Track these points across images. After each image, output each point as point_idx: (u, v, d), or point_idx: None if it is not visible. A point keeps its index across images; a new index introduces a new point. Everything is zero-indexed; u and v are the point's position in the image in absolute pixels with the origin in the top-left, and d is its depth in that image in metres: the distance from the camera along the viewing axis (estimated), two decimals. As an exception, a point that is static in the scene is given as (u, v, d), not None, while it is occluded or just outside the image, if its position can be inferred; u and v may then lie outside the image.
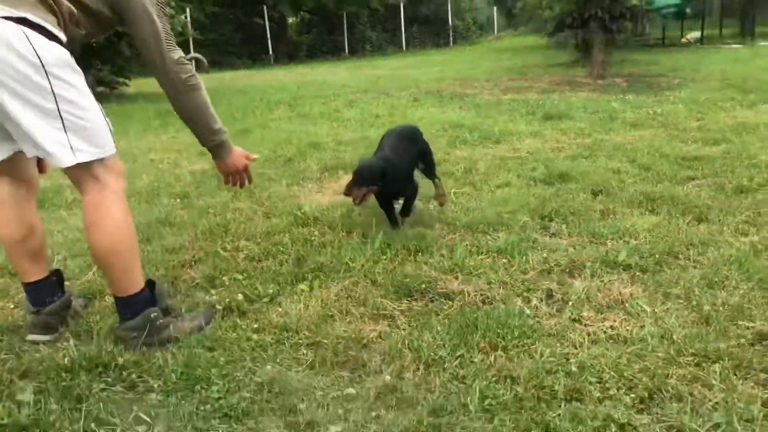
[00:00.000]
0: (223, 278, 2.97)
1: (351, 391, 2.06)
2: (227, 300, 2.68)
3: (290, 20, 31.53)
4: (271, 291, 2.78)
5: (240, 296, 2.71)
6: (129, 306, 2.33)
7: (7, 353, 2.34)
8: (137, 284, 2.34)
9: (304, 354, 2.29)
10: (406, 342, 2.32)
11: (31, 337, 2.41)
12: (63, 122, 2.09)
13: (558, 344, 2.28)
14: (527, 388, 2.01)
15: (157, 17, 2.30)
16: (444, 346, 2.29)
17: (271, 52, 27.14)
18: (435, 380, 2.10)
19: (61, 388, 2.08)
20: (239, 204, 4.15)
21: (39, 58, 2.01)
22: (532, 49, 21.04)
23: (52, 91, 2.05)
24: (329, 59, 26.38)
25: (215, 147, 2.53)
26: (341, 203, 4.04)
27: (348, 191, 3.28)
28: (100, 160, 2.20)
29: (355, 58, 26.32)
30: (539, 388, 2.01)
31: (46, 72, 2.02)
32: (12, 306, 2.77)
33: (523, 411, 1.91)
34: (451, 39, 31.27)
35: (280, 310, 2.62)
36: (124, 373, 2.18)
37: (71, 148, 2.12)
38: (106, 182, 2.23)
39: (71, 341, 2.37)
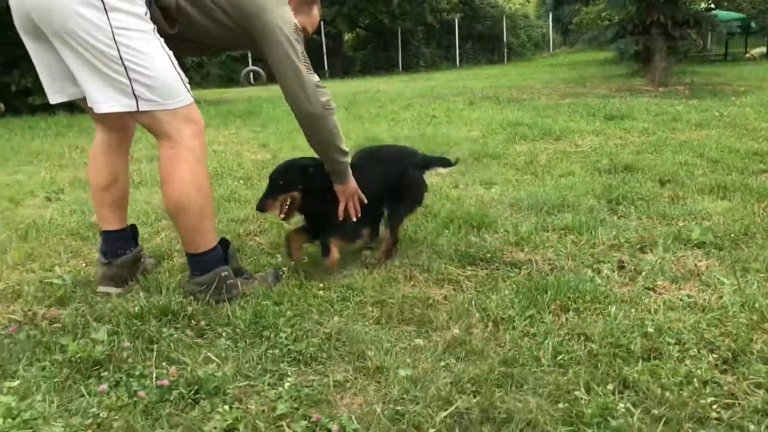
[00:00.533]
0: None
1: (419, 342, 2.03)
2: (292, 263, 2.69)
3: (346, 36, 31.96)
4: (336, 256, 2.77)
5: (305, 258, 2.71)
6: (199, 263, 2.35)
7: (80, 302, 2.39)
8: (208, 243, 2.35)
9: (369, 311, 2.27)
10: (473, 302, 2.28)
11: (101, 288, 2.46)
12: (126, 70, 2.08)
13: (632, 309, 2.20)
14: (602, 345, 1.94)
15: (295, 42, 2.32)
16: (512, 306, 2.24)
17: (326, 67, 27.53)
18: (504, 336, 2.05)
19: (133, 330, 2.10)
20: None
21: (103, 2, 2.02)
22: (589, 63, 20.83)
23: (114, 38, 2.05)
24: (383, 74, 26.57)
25: (341, 169, 2.54)
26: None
27: (261, 206, 2.54)
28: (173, 113, 2.20)
29: (408, 73, 26.43)
30: (615, 345, 1.94)
31: (108, 17, 2.03)
32: (84, 264, 2.83)
33: (599, 365, 1.85)
34: (505, 56, 31.18)
35: (345, 272, 2.61)
36: (192, 321, 2.20)
37: (135, 96, 2.12)
38: (179, 138, 2.22)
39: (141, 294, 2.41)
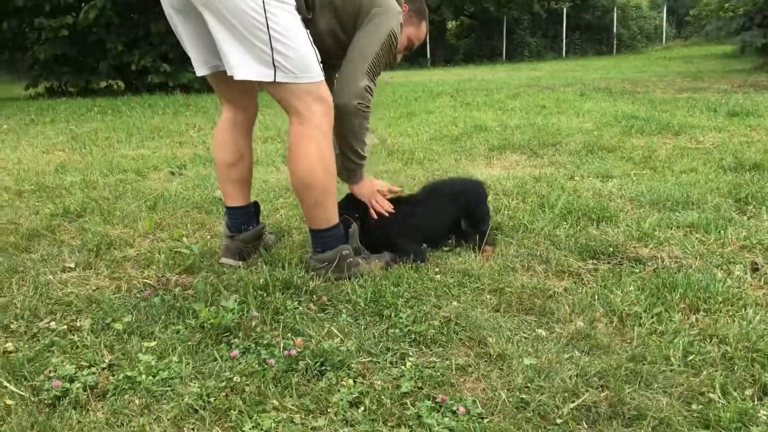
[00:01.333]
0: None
1: (541, 332, 2.00)
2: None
3: (450, 24, 31.73)
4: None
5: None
6: (321, 239, 2.41)
7: (208, 272, 2.50)
8: (330, 220, 2.40)
9: (487, 298, 2.26)
10: (596, 296, 2.22)
11: (223, 260, 2.56)
12: (270, 39, 2.13)
13: (769, 314, 2.08)
14: (737, 349, 1.85)
15: (383, 48, 2.41)
16: (638, 303, 2.16)
17: (428, 55, 27.45)
18: (631, 332, 1.98)
19: (259, 301, 2.18)
20: (411, 171, 4.20)
21: None
22: (705, 57, 19.76)
23: (264, 6, 2.10)
24: (485, 63, 26.23)
25: (352, 168, 2.60)
26: (512, 175, 3.98)
27: None
28: (306, 89, 2.24)
29: (512, 62, 25.96)
30: (752, 350, 1.84)
31: None
32: (209, 236, 2.96)
33: (735, 369, 1.76)
34: (614, 47, 30.06)
35: (461, 259, 2.61)
36: (314, 296, 2.26)
37: (275, 66, 2.16)
38: (309, 115, 2.27)
39: (264, 267, 2.49)
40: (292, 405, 1.64)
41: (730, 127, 5.87)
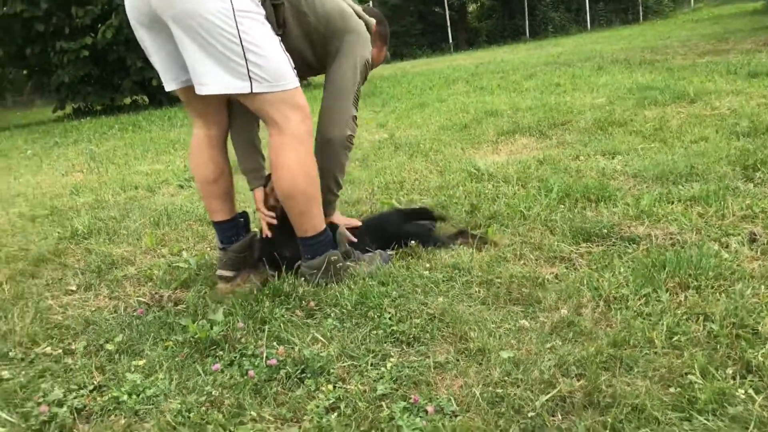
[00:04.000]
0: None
1: (524, 323, 1.98)
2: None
3: (470, 8, 31.41)
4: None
5: (413, 241, 2.72)
6: (309, 246, 2.42)
7: (202, 284, 2.54)
8: (316, 227, 2.40)
9: (476, 291, 2.24)
10: (585, 281, 2.19)
11: (219, 272, 2.59)
12: (244, 51, 2.12)
13: (761, 286, 2.02)
14: (723, 326, 1.80)
15: (360, 72, 2.49)
16: (627, 285, 2.12)
17: (450, 40, 27.23)
18: (616, 316, 1.95)
19: (248, 311, 2.21)
20: (414, 165, 4.19)
21: None
22: (734, 16, 19.17)
23: (235, 18, 2.09)
24: (509, 43, 25.89)
25: (330, 200, 2.65)
26: (516, 160, 3.93)
27: None
28: (282, 98, 2.23)
29: (536, 40, 25.56)
30: (739, 326, 1.80)
31: None
32: (209, 248, 3.01)
33: (718, 348, 1.72)
34: (640, 14, 29.35)
35: (452, 252, 2.59)
36: (303, 302, 2.28)
37: (250, 78, 2.16)
38: (287, 125, 2.25)
39: (252, 276, 2.52)
40: (269, 415, 1.66)
41: (749, 89, 5.69)
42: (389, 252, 2.63)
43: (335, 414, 1.63)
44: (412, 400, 1.64)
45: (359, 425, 1.58)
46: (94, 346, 2.12)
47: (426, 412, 1.59)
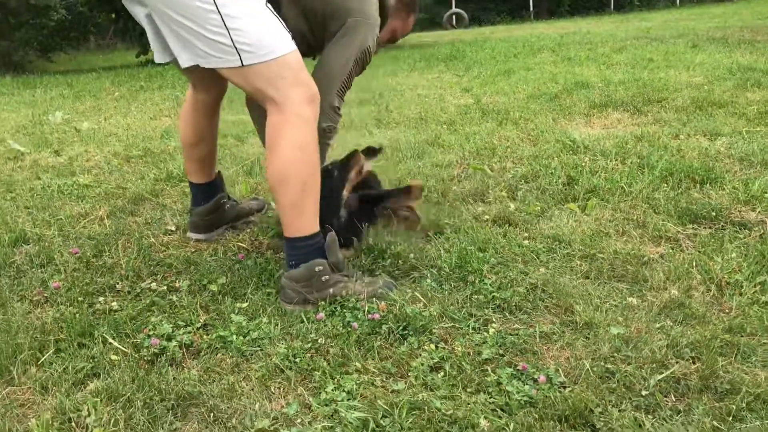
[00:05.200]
0: (489, 192, 2.96)
1: (632, 300, 1.93)
2: (495, 211, 2.67)
3: (553, -25, 30.41)
4: (539, 207, 2.71)
5: (512, 206, 2.68)
6: (297, 250, 2.05)
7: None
8: (308, 227, 2.04)
9: (578, 264, 2.20)
10: (694, 263, 2.12)
11: (189, 234, 2.63)
12: (227, 27, 1.89)
13: None
14: None
15: (354, 62, 2.27)
16: (740, 271, 2.04)
17: (531, 8, 26.48)
18: (731, 302, 1.88)
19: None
20: (505, 132, 4.11)
21: None
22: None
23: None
24: (591, 15, 25.00)
25: None
26: (612, 135, 3.81)
27: None
28: (279, 74, 1.96)
29: (621, 13, 24.59)
30: None
31: None
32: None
33: None
34: (735, -9, 27.85)
35: (551, 224, 2.54)
36: (399, 261, 2.27)
37: (237, 50, 1.91)
38: (286, 102, 1.98)
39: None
40: (374, 368, 1.67)
41: None
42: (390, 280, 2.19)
43: (440, 373, 1.63)
44: (519, 368, 1.62)
45: (465, 387, 1.58)
46: (197, 285, 2.18)
47: (535, 380, 1.58)
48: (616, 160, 3.27)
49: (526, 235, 2.45)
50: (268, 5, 1.99)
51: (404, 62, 9.08)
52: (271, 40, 1.95)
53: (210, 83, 2.39)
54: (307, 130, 2.01)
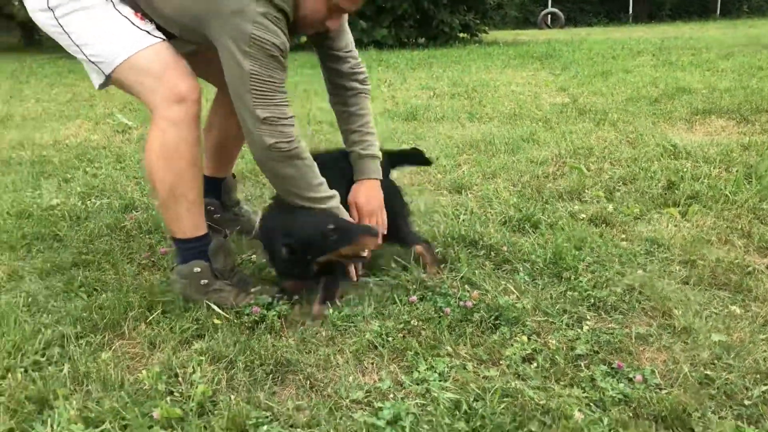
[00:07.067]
0: (586, 192, 2.91)
1: (735, 309, 1.87)
2: (592, 210, 2.64)
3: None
4: (637, 210, 2.65)
5: (609, 207, 2.63)
6: (179, 249, 2.03)
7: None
8: (188, 231, 1.99)
9: (676, 269, 2.14)
10: (805, 278, 2.03)
11: None
12: (78, 46, 1.91)
13: None
14: None
15: (250, 60, 1.80)
16: None
17: (630, 10, 25.66)
18: (844, 320, 1.79)
19: (437, 252, 2.25)
20: (603, 133, 4.02)
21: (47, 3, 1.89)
22: None
23: (59, 22, 1.91)
24: (694, 20, 23.99)
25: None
26: (716, 142, 3.67)
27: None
28: (140, 81, 1.89)
29: (728, 19, 23.50)
30: None
31: (54, 13, 1.90)
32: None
33: None
34: None
35: (650, 227, 2.48)
36: (492, 252, 2.28)
37: (95, 64, 1.91)
38: (156, 105, 1.90)
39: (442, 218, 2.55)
40: (465, 353, 1.69)
41: None
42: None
43: (533, 365, 1.63)
44: (615, 366, 1.60)
45: (558, 379, 1.58)
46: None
47: (630, 379, 1.56)
48: (720, 168, 3.16)
49: (623, 236, 2.40)
50: (117, 7, 1.91)
51: (497, 58, 9.01)
52: (115, 44, 1.88)
53: (203, 76, 2.18)
54: (175, 132, 1.88)
